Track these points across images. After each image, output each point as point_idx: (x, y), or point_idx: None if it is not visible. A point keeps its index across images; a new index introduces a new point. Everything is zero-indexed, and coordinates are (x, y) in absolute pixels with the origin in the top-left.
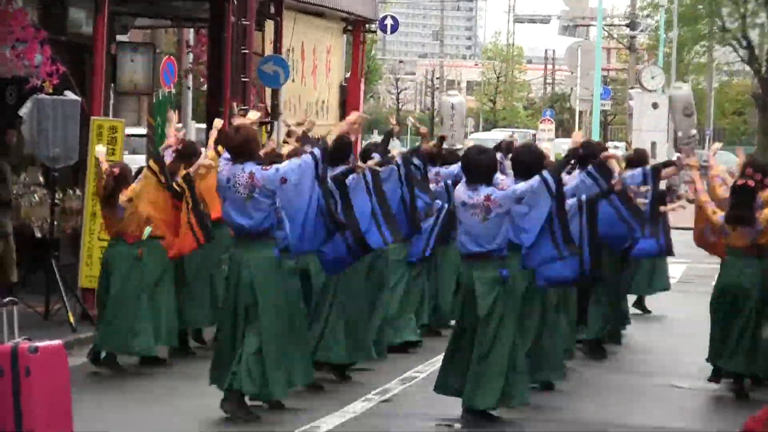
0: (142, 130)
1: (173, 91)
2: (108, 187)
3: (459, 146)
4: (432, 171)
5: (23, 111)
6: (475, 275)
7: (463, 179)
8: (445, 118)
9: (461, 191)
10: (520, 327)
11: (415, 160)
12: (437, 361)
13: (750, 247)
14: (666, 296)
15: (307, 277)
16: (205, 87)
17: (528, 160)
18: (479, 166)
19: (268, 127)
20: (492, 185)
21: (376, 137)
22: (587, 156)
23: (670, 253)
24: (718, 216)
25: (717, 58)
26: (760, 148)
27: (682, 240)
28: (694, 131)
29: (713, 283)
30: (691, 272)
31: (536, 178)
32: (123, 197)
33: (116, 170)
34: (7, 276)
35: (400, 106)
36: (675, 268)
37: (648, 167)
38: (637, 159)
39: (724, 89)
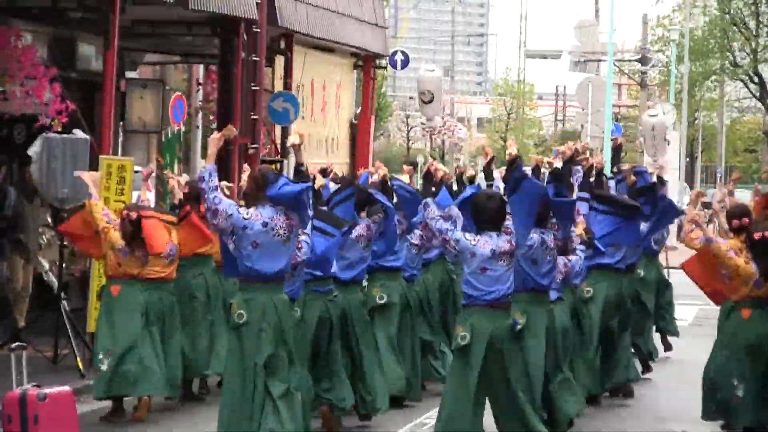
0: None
1: (182, 128)
2: (127, 232)
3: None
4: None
5: (32, 150)
6: (498, 325)
7: (455, 228)
8: (436, 95)
9: (483, 242)
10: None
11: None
12: None
13: None
14: (679, 339)
15: (328, 325)
16: (215, 125)
17: (492, 213)
18: (490, 213)
19: (278, 166)
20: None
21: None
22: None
23: None
24: (753, 266)
25: (728, 93)
26: None
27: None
28: (661, 160)
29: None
30: (702, 314)
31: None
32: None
33: (133, 215)
34: (15, 320)
35: (410, 144)
36: (686, 310)
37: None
38: None
39: (735, 126)
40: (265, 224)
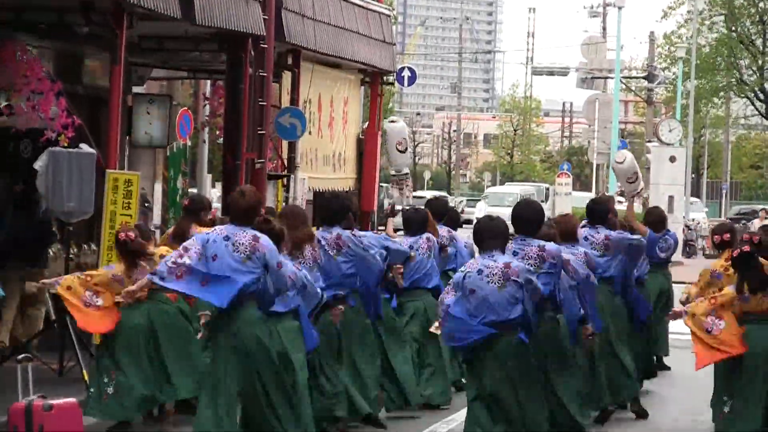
0: (158, 184)
1: (189, 143)
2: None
3: (406, 170)
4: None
5: (38, 164)
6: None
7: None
8: (409, 144)
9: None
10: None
11: None
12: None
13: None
14: (684, 352)
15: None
16: (221, 140)
17: (530, 217)
18: (491, 233)
19: (285, 181)
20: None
21: (390, 189)
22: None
23: None
24: (729, 288)
25: (734, 111)
26: None
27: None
28: (641, 186)
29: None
30: None
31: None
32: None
33: (132, 235)
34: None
35: (416, 160)
36: None
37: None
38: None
39: (741, 142)
40: (227, 238)
